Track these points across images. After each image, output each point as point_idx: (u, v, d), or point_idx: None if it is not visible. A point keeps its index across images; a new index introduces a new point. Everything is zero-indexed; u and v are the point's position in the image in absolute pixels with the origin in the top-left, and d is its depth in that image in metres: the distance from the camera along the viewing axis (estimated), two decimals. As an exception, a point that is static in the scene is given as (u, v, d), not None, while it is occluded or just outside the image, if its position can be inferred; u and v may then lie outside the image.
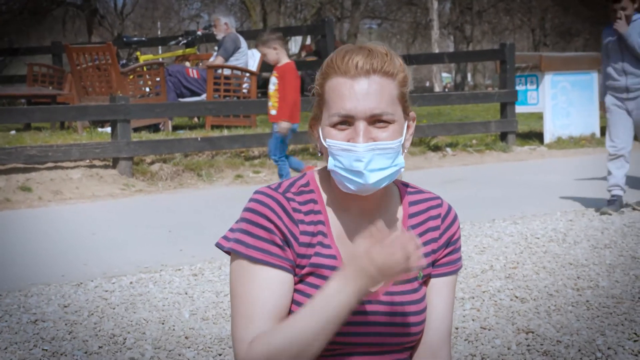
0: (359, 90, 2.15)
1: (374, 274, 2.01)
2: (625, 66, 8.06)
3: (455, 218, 2.37)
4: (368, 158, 2.13)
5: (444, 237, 2.34)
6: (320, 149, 2.27)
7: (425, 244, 2.30)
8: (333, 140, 2.17)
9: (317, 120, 2.25)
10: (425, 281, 2.32)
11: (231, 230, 2.24)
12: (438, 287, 2.33)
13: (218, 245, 2.26)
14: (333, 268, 2.19)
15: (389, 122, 2.17)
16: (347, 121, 2.16)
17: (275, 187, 2.24)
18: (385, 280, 2.02)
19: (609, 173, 8.17)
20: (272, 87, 9.18)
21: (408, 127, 2.25)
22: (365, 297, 2.19)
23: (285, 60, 9.24)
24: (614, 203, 7.96)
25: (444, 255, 2.34)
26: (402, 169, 2.21)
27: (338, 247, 2.22)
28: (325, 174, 2.29)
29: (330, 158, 2.18)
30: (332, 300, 2.04)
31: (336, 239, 2.23)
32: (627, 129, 8.16)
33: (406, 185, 2.37)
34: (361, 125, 2.14)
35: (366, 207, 2.26)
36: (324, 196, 2.26)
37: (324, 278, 2.18)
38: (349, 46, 2.24)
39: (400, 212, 2.32)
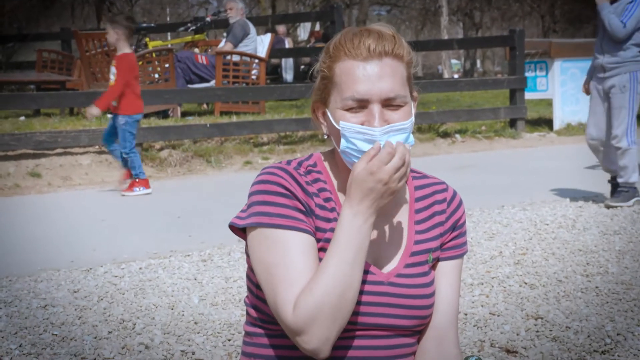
0: (373, 73, 2.15)
1: (376, 186, 2.06)
2: (603, 44, 7.81)
3: (460, 202, 2.39)
4: (384, 140, 2.13)
5: (450, 220, 2.35)
6: (327, 132, 2.26)
7: (431, 228, 2.32)
8: (347, 123, 2.16)
9: (323, 103, 2.24)
10: (433, 265, 2.33)
11: (242, 211, 2.21)
12: (445, 271, 2.34)
13: (233, 224, 2.21)
14: None
15: (400, 105, 2.17)
16: (360, 105, 2.15)
17: (285, 163, 2.23)
18: (388, 191, 2.07)
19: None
20: (112, 77, 8.99)
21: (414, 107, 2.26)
22: (377, 278, 2.19)
23: (124, 50, 8.98)
24: (620, 194, 7.64)
25: (451, 239, 2.35)
26: (411, 147, 2.21)
27: None
28: (332, 157, 2.29)
29: (342, 140, 2.17)
30: (350, 228, 2.08)
31: None
32: (603, 115, 7.81)
33: (412, 170, 2.37)
34: (376, 108, 2.14)
35: None
36: (332, 178, 2.26)
37: None
38: (355, 29, 2.23)
39: (407, 196, 2.33)
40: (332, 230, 2.18)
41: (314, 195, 2.20)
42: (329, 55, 2.21)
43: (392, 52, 2.17)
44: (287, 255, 2.12)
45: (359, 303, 2.17)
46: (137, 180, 8.96)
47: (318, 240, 2.18)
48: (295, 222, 2.14)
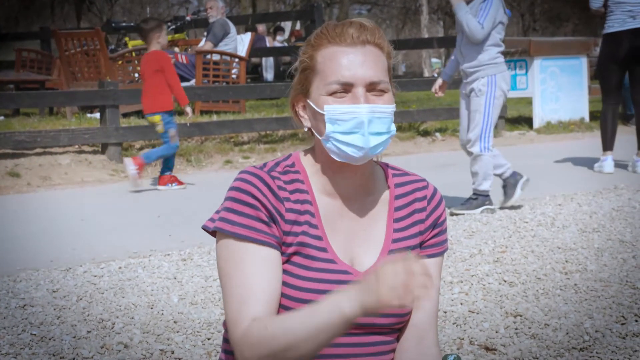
0: (357, 58, 2.18)
1: (376, 292, 1.96)
2: (462, 48, 7.45)
3: (441, 200, 2.39)
4: (368, 119, 2.15)
5: (431, 218, 2.35)
6: (309, 125, 2.27)
7: (410, 225, 2.32)
8: (332, 105, 2.17)
9: (304, 95, 2.25)
10: None
11: (217, 212, 2.24)
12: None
13: (204, 228, 2.26)
14: (319, 249, 2.20)
15: (384, 91, 2.19)
16: (344, 89, 2.17)
17: (260, 166, 2.24)
18: (384, 301, 1.96)
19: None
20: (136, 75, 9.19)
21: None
22: (353, 277, 2.19)
23: (154, 47, 9.35)
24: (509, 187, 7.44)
25: (431, 236, 2.35)
26: (393, 135, 2.24)
27: (325, 228, 2.23)
28: (311, 155, 2.29)
29: (328, 125, 2.18)
30: (334, 310, 2.01)
31: (323, 219, 2.23)
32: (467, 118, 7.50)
33: (391, 167, 2.38)
34: (361, 91, 2.16)
35: (352, 189, 2.27)
36: (310, 177, 2.26)
37: (310, 258, 2.20)
38: (336, 21, 2.26)
39: (386, 194, 2.33)
40: (305, 234, 2.19)
41: (285, 200, 2.20)
42: (311, 44, 2.23)
43: (374, 41, 2.20)
44: (241, 269, 2.15)
45: None
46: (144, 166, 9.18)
47: (289, 245, 2.19)
48: (255, 234, 2.16)
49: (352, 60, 2.17)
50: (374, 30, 2.21)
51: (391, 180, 2.35)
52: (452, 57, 7.78)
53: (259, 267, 2.15)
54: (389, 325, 2.27)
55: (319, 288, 2.18)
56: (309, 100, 2.23)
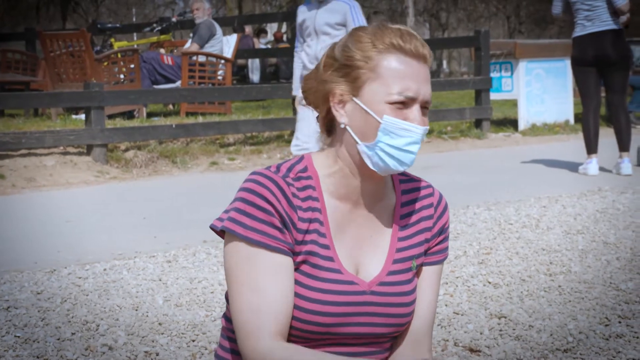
0: (420, 74, 2.17)
1: None
2: (319, 52, 7.12)
3: (446, 207, 2.38)
4: (420, 139, 2.17)
5: (437, 226, 2.34)
6: (349, 125, 2.21)
7: (416, 233, 2.30)
8: (393, 118, 2.15)
9: (351, 91, 2.19)
10: (417, 272, 2.32)
11: (225, 212, 2.20)
12: (427, 275, 2.33)
13: (212, 227, 2.21)
14: (326, 258, 2.18)
15: (427, 109, 2.20)
16: (406, 102, 2.16)
17: (274, 170, 2.20)
18: None
19: None
20: None
21: None
22: (359, 288, 2.19)
23: None
24: None
25: (436, 243, 2.34)
26: None
27: (332, 237, 2.20)
28: (326, 158, 2.26)
29: (381, 134, 2.15)
30: None
31: (331, 228, 2.21)
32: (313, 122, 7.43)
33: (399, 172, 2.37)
34: (417, 108, 2.16)
35: (364, 195, 2.25)
36: (322, 182, 2.23)
37: (317, 267, 2.17)
38: (395, 25, 2.23)
39: (393, 201, 2.31)
40: (313, 243, 2.17)
41: (298, 208, 2.17)
42: (374, 45, 2.18)
43: (428, 59, 2.20)
44: (253, 276, 2.13)
45: (339, 315, 2.17)
46: None
47: (298, 254, 2.17)
48: (268, 239, 2.13)
49: (417, 74, 2.17)
50: (426, 46, 2.21)
51: (398, 186, 2.33)
52: (296, 65, 7.36)
53: (272, 275, 2.13)
54: (388, 334, 2.26)
55: (325, 299, 2.16)
56: (357, 99, 2.18)
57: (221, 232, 2.20)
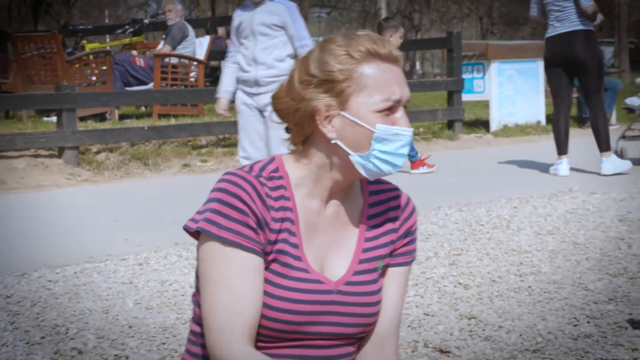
0: (400, 76, 2.20)
1: None
2: (257, 53, 6.87)
3: (413, 209, 2.39)
4: (410, 141, 2.21)
5: (403, 227, 2.35)
6: (339, 139, 2.19)
7: (383, 234, 2.32)
8: (384, 125, 2.17)
9: (338, 106, 2.18)
10: (383, 272, 2.33)
11: (198, 212, 2.20)
12: (394, 277, 2.34)
13: (186, 228, 2.21)
14: (295, 257, 2.19)
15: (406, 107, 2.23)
16: (393, 107, 2.18)
17: (248, 170, 2.20)
18: None
19: None
20: None
21: None
22: (326, 287, 2.21)
23: None
24: None
25: (402, 245, 2.35)
26: None
27: (302, 236, 2.22)
28: (297, 160, 2.26)
29: (375, 143, 2.16)
30: None
31: (301, 227, 2.22)
32: (260, 133, 7.02)
33: None
34: (402, 110, 2.20)
35: (334, 196, 2.26)
36: (294, 183, 2.23)
37: (287, 266, 2.18)
38: (363, 32, 2.24)
39: (360, 202, 2.33)
40: (283, 241, 2.18)
41: (271, 208, 2.18)
42: (350, 55, 2.17)
43: (401, 61, 2.22)
44: (228, 276, 2.13)
45: (306, 313, 2.19)
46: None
47: (269, 253, 2.18)
48: (242, 240, 2.13)
49: (397, 77, 2.18)
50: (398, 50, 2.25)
51: (366, 187, 2.34)
52: (228, 69, 7.14)
53: (246, 276, 2.13)
54: (355, 334, 2.28)
55: (292, 297, 2.17)
56: (345, 113, 2.18)
57: (195, 233, 2.20)
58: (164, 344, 4.20)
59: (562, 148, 9.73)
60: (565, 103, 9.77)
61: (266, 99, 6.69)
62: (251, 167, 2.22)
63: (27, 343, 4.17)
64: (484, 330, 4.30)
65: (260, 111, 6.89)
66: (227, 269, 2.13)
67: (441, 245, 6.15)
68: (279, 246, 2.18)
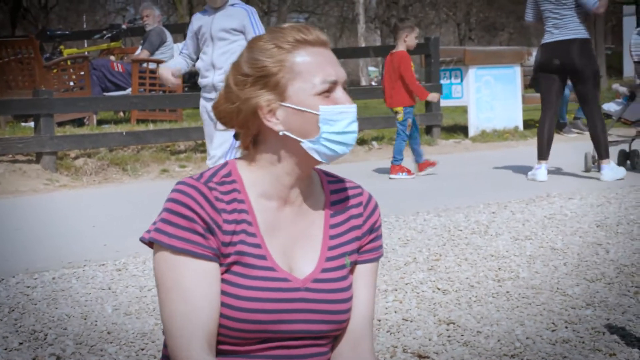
0: (331, 58, 2.24)
1: None
2: (215, 58, 6.63)
3: (376, 206, 2.41)
4: (356, 118, 2.25)
5: (367, 224, 2.37)
6: (286, 130, 2.22)
7: (347, 231, 2.34)
8: (327, 106, 2.21)
9: (277, 99, 2.21)
10: (351, 269, 2.35)
11: (153, 223, 2.24)
12: (362, 274, 2.36)
13: (141, 239, 2.25)
14: (258, 256, 2.21)
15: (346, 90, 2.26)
16: (330, 88, 2.22)
17: (197, 177, 2.24)
18: None
19: None
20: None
21: None
22: (293, 285, 2.22)
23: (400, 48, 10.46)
24: None
25: (368, 242, 2.37)
26: None
27: (262, 236, 2.23)
28: (249, 163, 2.28)
29: (322, 125, 2.20)
30: None
31: (261, 227, 2.24)
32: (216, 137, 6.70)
33: (326, 173, 2.41)
34: (341, 89, 2.24)
35: (290, 195, 2.28)
36: (247, 185, 2.26)
37: (249, 266, 2.20)
38: (287, 24, 2.29)
39: (322, 200, 2.35)
40: (242, 243, 2.20)
41: (222, 211, 2.20)
42: (279, 47, 2.21)
43: (329, 44, 2.26)
44: (180, 282, 2.16)
45: (275, 311, 2.20)
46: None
47: (227, 255, 2.20)
48: (191, 246, 2.16)
49: (329, 59, 2.23)
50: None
51: (327, 186, 2.37)
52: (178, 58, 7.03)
53: (199, 282, 2.16)
54: (327, 332, 2.29)
55: (259, 296, 2.19)
56: (286, 104, 2.21)
57: (151, 244, 2.24)
58: (142, 349, 4.19)
59: (542, 153, 9.78)
60: (552, 109, 9.82)
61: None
62: (201, 174, 2.26)
63: (6, 349, 4.16)
64: (462, 335, 4.31)
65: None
66: (180, 276, 2.16)
67: (420, 250, 6.16)
68: (237, 248, 2.20)
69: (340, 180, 2.40)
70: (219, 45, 6.53)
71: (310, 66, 2.20)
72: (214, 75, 6.55)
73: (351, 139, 2.23)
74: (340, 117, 2.21)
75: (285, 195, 2.27)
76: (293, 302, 2.22)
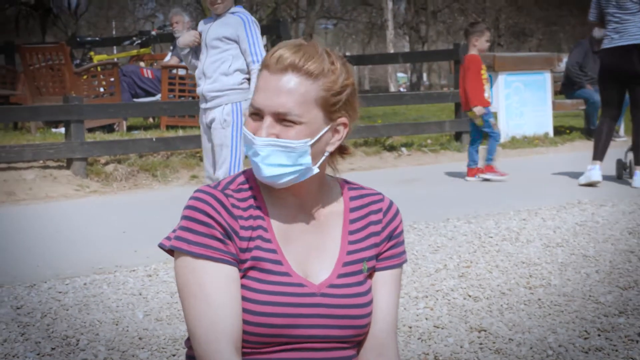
0: (272, 86, 2.19)
1: None
2: (205, 67, 6.59)
3: (397, 212, 2.42)
4: (266, 152, 2.19)
5: (386, 230, 2.38)
6: None
7: (366, 237, 2.35)
8: (244, 128, 2.23)
9: None
10: (370, 274, 2.36)
11: (173, 231, 2.27)
12: (383, 281, 2.37)
13: (161, 246, 2.30)
14: (274, 262, 2.24)
15: (294, 123, 2.19)
16: (259, 113, 2.21)
17: (215, 185, 2.28)
18: None
19: None
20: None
21: (335, 131, 2.27)
22: (309, 290, 2.23)
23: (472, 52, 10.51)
24: None
25: (387, 248, 2.38)
26: (315, 170, 2.25)
27: (278, 241, 2.25)
28: None
29: (245, 145, 2.25)
30: None
31: (276, 233, 2.26)
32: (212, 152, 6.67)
33: (347, 182, 2.42)
34: (267, 120, 2.20)
35: (303, 202, 2.31)
36: (263, 193, 2.29)
37: (265, 271, 2.23)
38: (291, 40, 2.28)
39: (341, 207, 2.36)
40: (258, 249, 2.23)
41: (239, 217, 2.23)
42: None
43: (301, 68, 2.19)
44: (203, 289, 2.18)
45: (290, 316, 2.22)
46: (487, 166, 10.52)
47: (244, 261, 2.22)
48: (211, 252, 2.19)
49: (266, 86, 2.20)
50: (311, 55, 2.21)
51: (346, 193, 2.39)
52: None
53: (221, 287, 2.18)
54: (347, 337, 2.29)
55: (274, 300, 2.21)
56: None
57: (170, 251, 2.28)
58: (174, 355, 4.20)
59: (598, 154, 9.77)
60: (613, 112, 9.79)
61: (212, 114, 6.47)
62: (219, 182, 2.30)
63: (38, 354, 4.18)
64: (494, 342, 4.29)
65: (209, 127, 6.56)
66: (202, 282, 2.19)
67: (450, 257, 6.14)
68: (254, 253, 2.23)
69: (361, 188, 2.42)
70: (211, 54, 6.42)
71: (255, 88, 2.24)
72: (204, 84, 6.44)
73: (256, 168, 2.22)
74: (248, 144, 2.23)
75: (297, 202, 2.30)
76: (309, 307, 2.24)
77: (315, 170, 2.24)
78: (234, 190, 2.26)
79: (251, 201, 2.26)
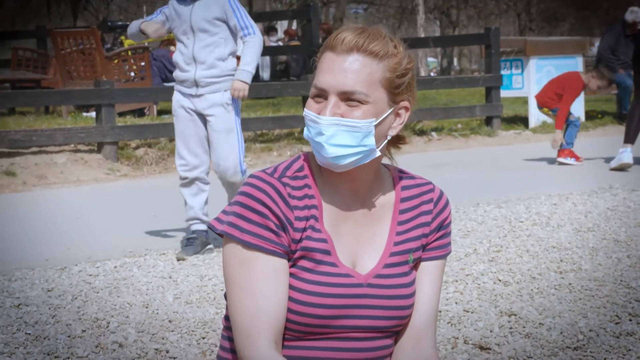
0: (337, 66, 2.17)
1: None
2: (196, 52, 6.23)
3: (447, 203, 2.39)
4: (331, 132, 2.15)
5: (436, 221, 2.35)
6: None
7: (414, 228, 2.32)
8: (307, 110, 2.19)
9: None
10: (415, 265, 2.33)
11: (224, 212, 2.23)
12: (428, 271, 2.34)
13: (211, 227, 2.25)
14: (324, 251, 2.21)
15: (361, 102, 2.17)
16: (321, 94, 2.18)
17: (271, 171, 2.23)
18: None
19: (185, 203, 6.36)
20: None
21: (397, 115, 2.26)
22: (355, 280, 2.21)
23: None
24: (193, 243, 6.02)
25: (435, 239, 2.35)
26: (377, 153, 2.21)
27: (328, 231, 2.23)
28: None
29: (305, 127, 2.22)
30: None
31: (326, 223, 2.23)
32: (200, 139, 6.30)
33: (400, 170, 2.38)
34: (332, 100, 2.16)
35: (357, 190, 2.27)
36: (317, 180, 2.26)
37: (314, 261, 2.20)
38: (351, 25, 2.27)
39: (392, 197, 2.33)
40: (308, 239, 2.20)
41: (295, 208, 2.20)
42: (321, 47, 2.24)
43: (367, 48, 2.17)
44: (250, 280, 2.17)
45: (337, 307, 2.20)
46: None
47: (295, 251, 2.20)
48: (264, 243, 2.16)
49: (331, 67, 2.17)
50: (375, 37, 2.19)
51: (398, 183, 2.35)
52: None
53: (268, 280, 2.16)
54: (390, 327, 2.28)
55: (321, 291, 2.19)
56: None
57: (221, 235, 2.24)
58: (203, 338, 4.21)
59: (630, 137, 9.79)
60: None
61: (206, 101, 6.21)
62: (275, 168, 2.25)
63: (69, 336, 4.20)
64: (524, 327, 4.27)
65: (200, 115, 6.26)
66: (250, 273, 2.17)
67: (480, 241, 6.12)
68: (305, 244, 2.20)
69: (412, 177, 2.38)
70: (200, 38, 6.20)
71: (318, 69, 2.20)
72: (196, 70, 6.19)
73: (321, 148, 2.17)
74: (312, 125, 2.19)
75: (351, 190, 2.26)
76: (355, 297, 2.22)
77: (378, 153, 2.21)
78: (291, 178, 2.22)
79: (306, 190, 2.23)
